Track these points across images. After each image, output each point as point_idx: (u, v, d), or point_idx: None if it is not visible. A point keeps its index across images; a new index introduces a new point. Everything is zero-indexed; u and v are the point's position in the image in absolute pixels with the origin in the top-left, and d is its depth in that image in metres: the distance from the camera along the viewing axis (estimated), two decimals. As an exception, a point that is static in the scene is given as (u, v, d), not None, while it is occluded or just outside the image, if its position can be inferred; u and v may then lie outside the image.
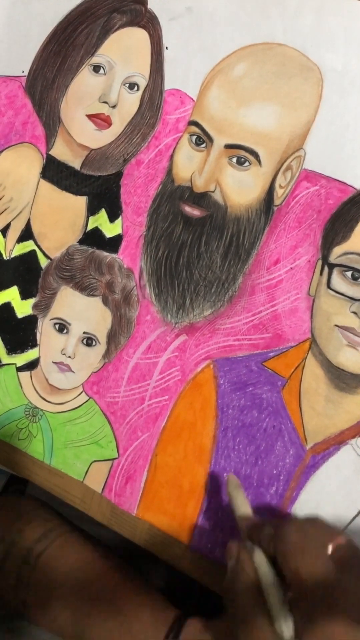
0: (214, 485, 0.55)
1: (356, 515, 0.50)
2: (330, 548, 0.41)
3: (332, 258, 0.52)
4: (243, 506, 0.48)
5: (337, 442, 0.51)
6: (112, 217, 0.61)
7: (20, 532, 0.60)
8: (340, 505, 0.50)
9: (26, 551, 0.58)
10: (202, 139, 0.56)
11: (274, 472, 0.52)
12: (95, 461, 0.60)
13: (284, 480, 0.52)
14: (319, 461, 0.51)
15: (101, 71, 0.60)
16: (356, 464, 0.50)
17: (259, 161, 0.54)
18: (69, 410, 0.62)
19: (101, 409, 0.60)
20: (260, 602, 0.42)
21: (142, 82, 0.59)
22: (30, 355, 0.63)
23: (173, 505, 0.56)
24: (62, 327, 0.61)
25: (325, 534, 0.42)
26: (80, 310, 0.61)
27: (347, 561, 0.40)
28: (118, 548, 0.60)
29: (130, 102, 0.60)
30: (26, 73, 0.64)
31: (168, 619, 0.52)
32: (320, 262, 0.52)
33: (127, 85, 0.60)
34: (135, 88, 0.59)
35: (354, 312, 0.51)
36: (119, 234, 0.60)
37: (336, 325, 0.51)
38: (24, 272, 0.64)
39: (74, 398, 0.61)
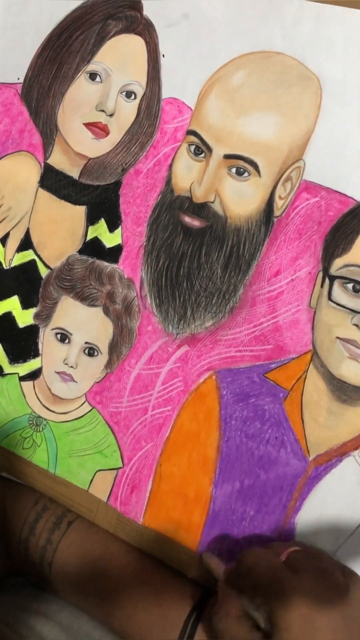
0: (220, 494, 0.55)
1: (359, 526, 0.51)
2: (284, 556, 0.47)
3: (333, 270, 0.52)
4: (219, 566, 0.53)
5: (339, 453, 0.52)
6: (112, 227, 0.60)
7: (52, 501, 0.62)
8: (343, 515, 0.51)
9: (58, 517, 0.60)
10: (201, 149, 0.56)
11: (277, 482, 0.53)
12: (100, 470, 0.61)
13: (287, 491, 0.53)
14: (321, 472, 0.52)
15: (97, 79, 0.59)
16: (358, 476, 0.51)
17: (258, 172, 0.54)
18: (72, 420, 0.62)
19: (104, 419, 0.60)
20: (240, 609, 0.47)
21: (139, 91, 0.59)
22: (32, 364, 0.64)
23: (179, 513, 0.57)
24: (63, 337, 0.62)
25: (279, 547, 0.49)
26: (82, 320, 0.61)
27: (300, 564, 0.47)
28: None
29: (128, 111, 0.59)
30: (22, 80, 0.63)
31: (195, 594, 0.54)
32: (321, 274, 0.52)
33: (124, 93, 0.59)
34: (133, 96, 0.59)
35: (356, 325, 0.51)
36: (119, 244, 0.60)
37: (337, 338, 0.51)
38: (25, 282, 0.64)
39: (77, 408, 0.62)
